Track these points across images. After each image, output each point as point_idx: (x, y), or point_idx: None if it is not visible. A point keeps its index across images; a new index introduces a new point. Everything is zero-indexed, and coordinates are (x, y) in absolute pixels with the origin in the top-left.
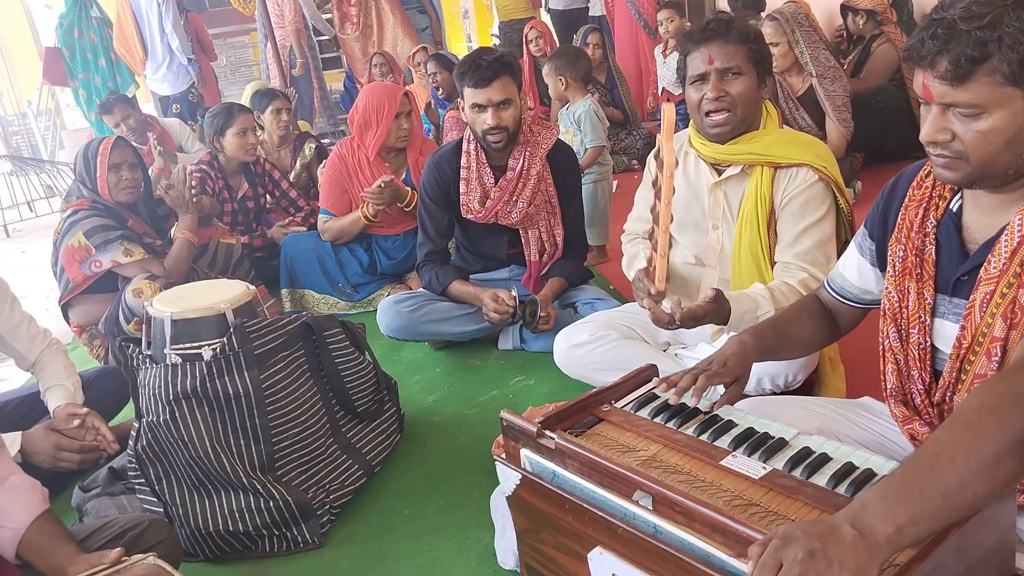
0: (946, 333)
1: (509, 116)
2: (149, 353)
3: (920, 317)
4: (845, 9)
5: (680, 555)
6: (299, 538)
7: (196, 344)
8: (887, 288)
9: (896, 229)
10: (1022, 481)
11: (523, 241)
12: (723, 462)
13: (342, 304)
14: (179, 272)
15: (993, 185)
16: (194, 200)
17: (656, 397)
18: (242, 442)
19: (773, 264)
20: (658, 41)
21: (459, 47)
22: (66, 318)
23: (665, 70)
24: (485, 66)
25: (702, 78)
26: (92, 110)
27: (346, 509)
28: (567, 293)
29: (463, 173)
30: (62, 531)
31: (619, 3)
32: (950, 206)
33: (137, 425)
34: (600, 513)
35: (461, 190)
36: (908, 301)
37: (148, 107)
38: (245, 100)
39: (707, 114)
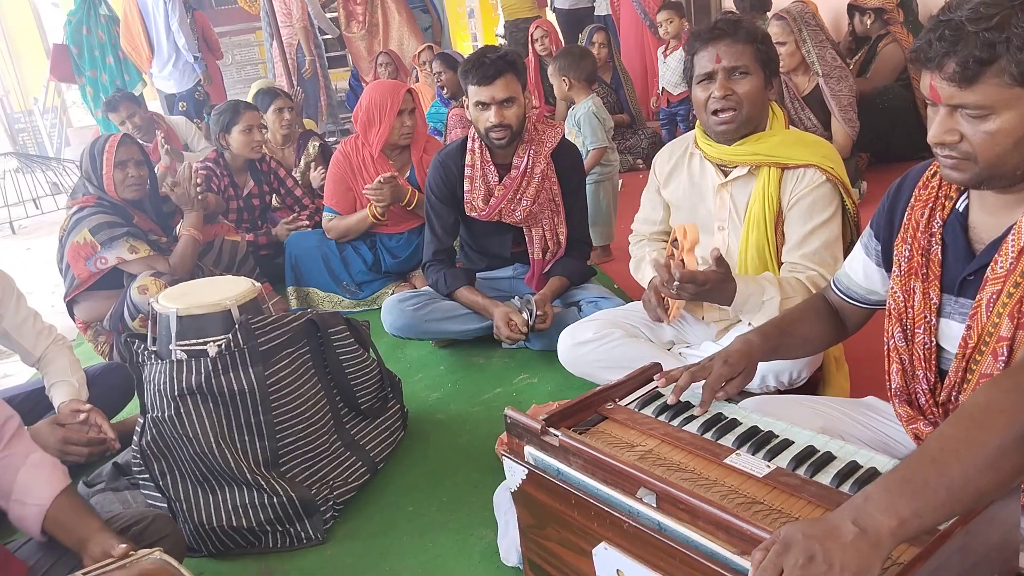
0: (952, 333)
1: (512, 114)
2: (154, 349)
3: (926, 317)
4: (852, 9)
5: (685, 551)
6: (303, 534)
7: (201, 340)
8: (893, 288)
9: (902, 229)
10: None
11: (527, 239)
12: (727, 460)
13: (346, 302)
14: (184, 269)
15: (1001, 186)
16: (199, 197)
17: (660, 395)
18: (246, 438)
19: (780, 265)
20: (664, 41)
21: (464, 46)
22: (71, 314)
23: (665, 70)
24: (489, 64)
25: (709, 77)
26: (99, 107)
27: (349, 505)
28: (571, 292)
29: (467, 171)
30: (84, 505)
31: (625, 2)
32: (956, 206)
33: (142, 421)
34: (606, 508)
35: (465, 188)
36: (914, 301)
37: (154, 105)
38: (250, 99)
39: (714, 113)
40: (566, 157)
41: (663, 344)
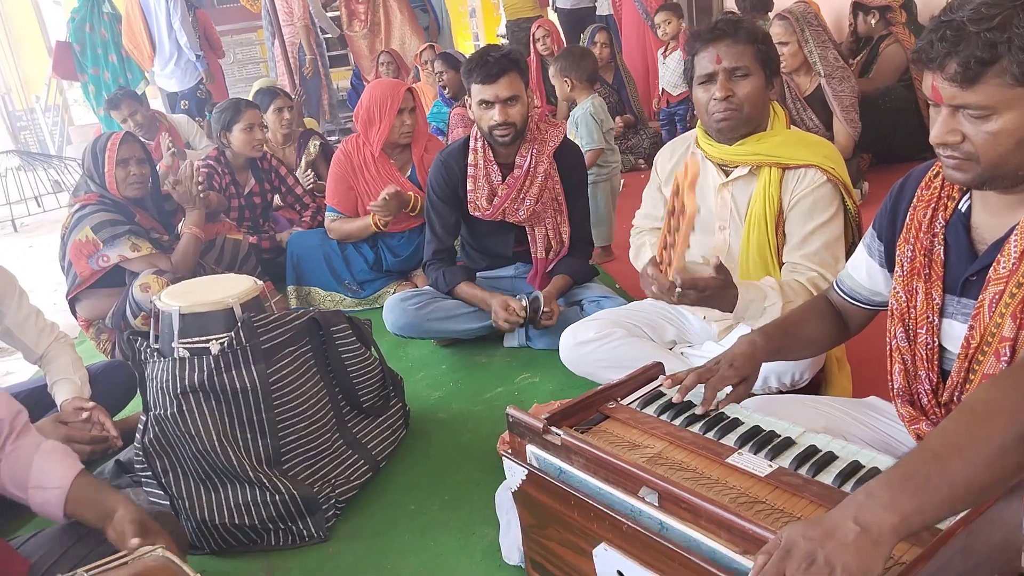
0: (954, 333)
1: (516, 113)
2: (157, 347)
3: (928, 317)
4: (857, 8)
5: (685, 553)
6: (304, 532)
7: (204, 338)
8: (895, 288)
9: (904, 229)
10: None
11: (529, 239)
12: (729, 460)
13: (348, 301)
14: (186, 267)
15: (1003, 186)
16: (201, 196)
17: (662, 394)
18: (249, 436)
19: (781, 265)
20: (663, 42)
21: (466, 46)
22: (73, 312)
23: (664, 71)
24: (492, 62)
25: (710, 78)
26: (101, 105)
27: (351, 504)
28: (573, 291)
29: (470, 171)
30: (104, 484)
31: (626, 2)
32: (959, 206)
33: (144, 418)
34: (605, 510)
35: (468, 187)
36: (916, 301)
37: (156, 103)
38: (251, 97)
39: (715, 114)
40: (568, 156)
41: (665, 344)
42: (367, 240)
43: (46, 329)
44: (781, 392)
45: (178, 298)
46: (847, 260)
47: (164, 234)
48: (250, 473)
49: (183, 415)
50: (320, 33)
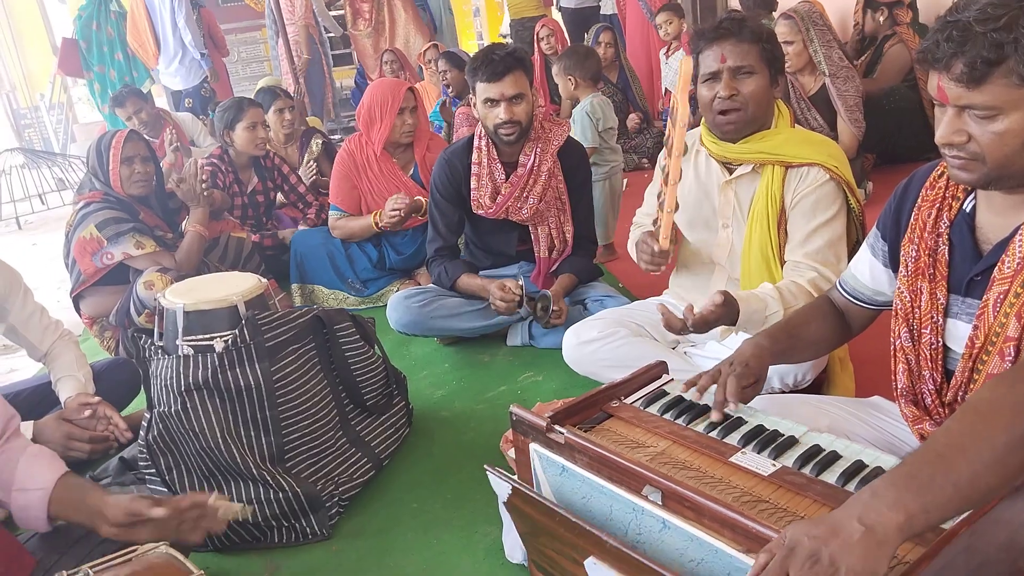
0: (958, 333)
1: (521, 111)
2: (161, 344)
3: (932, 317)
4: (867, 5)
5: (663, 571)
6: (308, 530)
7: (208, 336)
8: (899, 288)
9: (909, 229)
10: None
11: (533, 237)
12: (732, 459)
13: (352, 299)
14: (190, 265)
15: (1009, 186)
16: (205, 194)
17: (666, 393)
18: (252, 433)
19: (783, 263)
20: (665, 42)
21: (470, 45)
22: (77, 310)
23: (667, 71)
24: (498, 61)
25: (714, 76)
26: (106, 103)
27: (354, 502)
28: (577, 290)
29: (474, 169)
30: (89, 483)
31: (631, 2)
32: (963, 206)
33: (148, 415)
34: (587, 527)
35: (472, 186)
36: (920, 301)
37: (160, 101)
38: (253, 96)
39: (719, 113)
40: (572, 155)
41: (668, 343)
42: (371, 239)
43: (50, 326)
44: (784, 392)
45: (182, 296)
46: (850, 260)
47: (168, 232)
48: (254, 471)
49: (187, 412)
50: (324, 32)
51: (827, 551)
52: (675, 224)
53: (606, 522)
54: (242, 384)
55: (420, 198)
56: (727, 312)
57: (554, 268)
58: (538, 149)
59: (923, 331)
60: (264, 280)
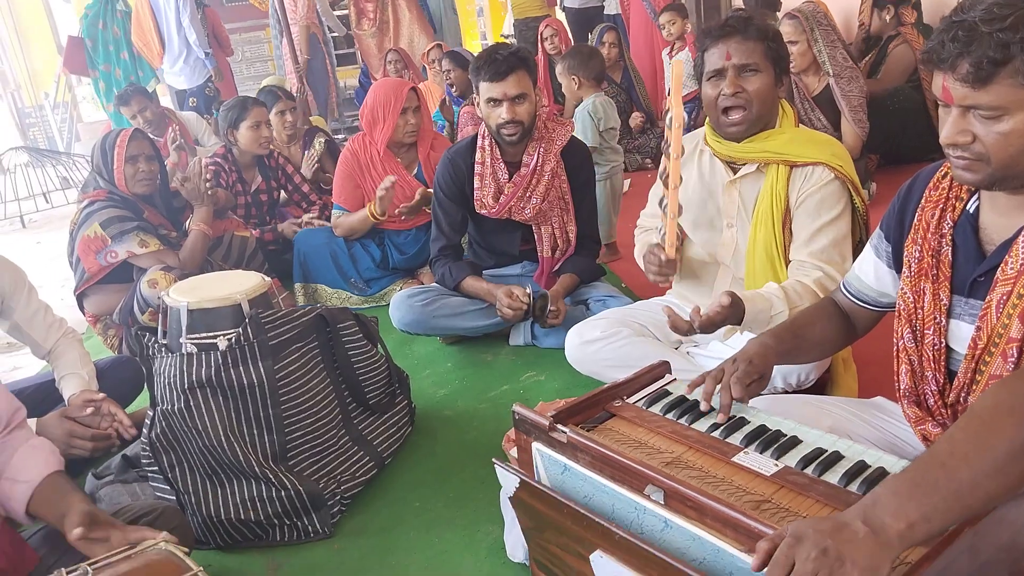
0: (961, 334)
1: (524, 111)
2: (165, 342)
3: (935, 318)
4: (874, 3)
5: (677, 563)
6: (310, 528)
7: (212, 334)
8: (903, 289)
9: (912, 230)
10: None
11: (536, 237)
12: (735, 458)
13: (354, 298)
14: (194, 264)
15: (1013, 187)
16: (209, 192)
17: (668, 393)
18: (255, 432)
19: (787, 263)
20: (668, 42)
21: (473, 45)
22: (81, 308)
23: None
24: (501, 60)
25: (719, 74)
26: (111, 102)
27: (357, 500)
28: (579, 290)
29: (477, 168)
30: (72, 486)
31: (634, 1)
32: (967, 207)
33: (151, 413)
34: (597, 519)
35: (475, 185)
36: (923, 302)
37: (165, 101)
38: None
39: (724, 111)
40: (575, 155)
41: (671, 343)
42: (374, 238)
43: (54, 324)
44: (787, 392)
45: (186, 294)
46: (855, 259)
47: (172, 231)
48: (256, 469)
49: (190, 410)
50: (327, 32)
51: (833, 544)
52: (679, 227)
53: None
54: (245, 382)
55: (430, 189)
56: (733, 313)
57: (557, 268)
58: (541, 149)
59: (926, 332)
60: (267, 279)
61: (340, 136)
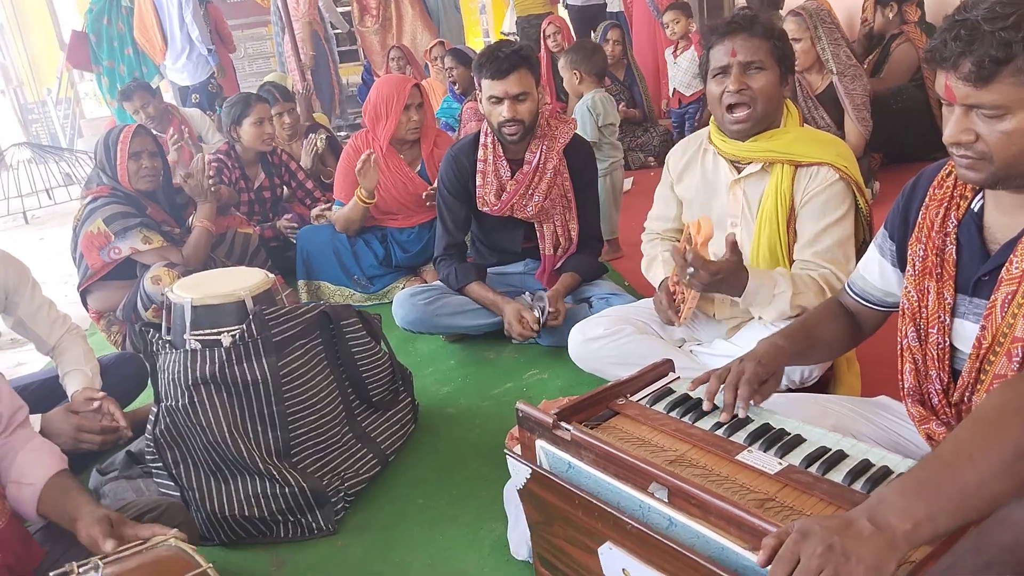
0: (966, 333)
1: (525, 109)
2: (169, 338)
3: (940, 317)
4: (877, 1)
5: (690, 553)
6: (314, 525)
7: (216, 330)
8: (907, 287)
9: (916, 229)
10: None
11: (538, 235)
12: (739, 457)
13: (357, 296)
14: (197, 260)
15: (1017, 186)
16: (212, 189)
17: (672, 391)
18: (259, 428)
19: (792, 262)
20: (672, 41)
21: (476, 42)
22: (84, 304)
23: (676, 71)
24: (503, 58)
25: (724, 71)
26: (115, 97)
27: (360, 497)
28: (582, 288)
29: (480, 166)
30: (76, 486)
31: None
32: (971, 206)
33: (156, 409)
34: (609, 509)
35: (477, 183)
36: (928, 301)
37: (167, 97)
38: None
39: (728, 109)
40: (578, 153)
41: (674, 341)
42: (377, 235)
43: (58, 320)
44: (790, 390)
45: (190, 290)
46: (859, 260)
47: (175, 227)
48: (260, 465)
49: (194, 407)
50: (329, 28)
51: (840, 541)
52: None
53: None
54: (249, 379)
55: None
56: (732, 269)
57: (559, 266)
58: (544, 146)
59: (930, 331)
60: (271, 275)
61: (343, 133)
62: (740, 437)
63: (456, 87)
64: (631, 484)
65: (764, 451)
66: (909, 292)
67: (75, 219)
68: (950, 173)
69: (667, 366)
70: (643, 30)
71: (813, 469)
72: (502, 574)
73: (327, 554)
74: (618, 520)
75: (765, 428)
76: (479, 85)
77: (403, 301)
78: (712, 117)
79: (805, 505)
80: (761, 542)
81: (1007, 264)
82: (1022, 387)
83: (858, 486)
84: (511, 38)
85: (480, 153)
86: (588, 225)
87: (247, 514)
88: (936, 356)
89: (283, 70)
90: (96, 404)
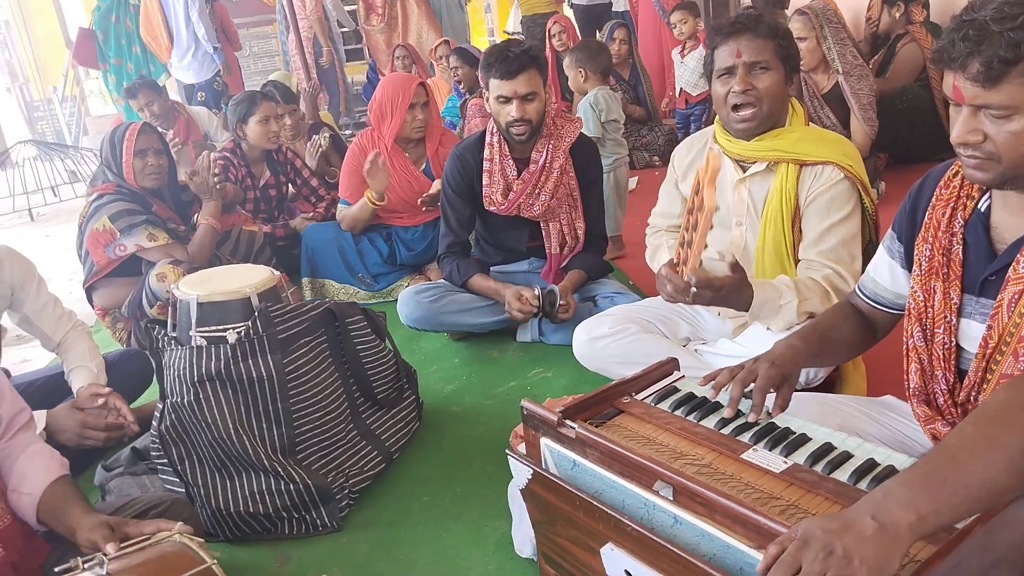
0: (972, 333)
1: (533, 109)
2: (174, 335)
3: (946, 317)
4: (884, 0)
5: (689, 556)
6: (318, 521)
7: (221, 327)
8: (913, 287)
9: (923, 228)
10: None
11: (544, 234)
12: (744, 455)
13: (362, 294)
14: (202, 258)
15: None
16: (218, 187)
17: (677, 390)
18: (264, 425)
19: (797, 261)
20: (679, 41)
21: (481, 41)
22: (90, 301)
23: (683, 71)
24: (512, 58)
25: (729, 71)
26: (121, 95)
27: (365, 494)
28: (587, 286)
29: (486, 165)
30: (74, 493)
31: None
32: (978, 206)
33: (161, 406)
34: (609, 511)
35: (484, 182)
36: (934, 301)
37: (173, 95)
38: None
39: (733, 108)
40: (584, 152)
41: (679, 340)
42: (381, 234)
43: (64, 317)
44: (796, 390)
45: (196, 287)
46: (864, 259)
47: (181, 224)
48: (265, 462)
49: (200, 403)
50: (336, 27)
51: (841, 544)
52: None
53: None
54: (254, 376)
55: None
56: (735, 286)
57: (564, 264)
58: (550, 146)
59: (936, 331)
60: (277, 272)
61: (348, 132)
62: (745, 436)
63: (461, 86)
64: (636, 482)
65: (769, 450)
66: (915, 292)
67: (80, 216)
68: (957, 173)
69: (672, 365)
70: (648, 30)
71: (818, 468)
72: (506, 572)
73: (331, 551)
74: (619, 522)
75: (770, 427)
76: (486, 84)
77: (408, 299)
78: (717, 117)
79: (810, 504)
80: (766, 540)
81: (1014, 264)
82: None
83: (863, 485)
84: (516, 37)
85: (486, 152)
86: (592, 223)
87: (252, 510)
88: (942, 356)
89: (287, 68)
90: (101, 400)
